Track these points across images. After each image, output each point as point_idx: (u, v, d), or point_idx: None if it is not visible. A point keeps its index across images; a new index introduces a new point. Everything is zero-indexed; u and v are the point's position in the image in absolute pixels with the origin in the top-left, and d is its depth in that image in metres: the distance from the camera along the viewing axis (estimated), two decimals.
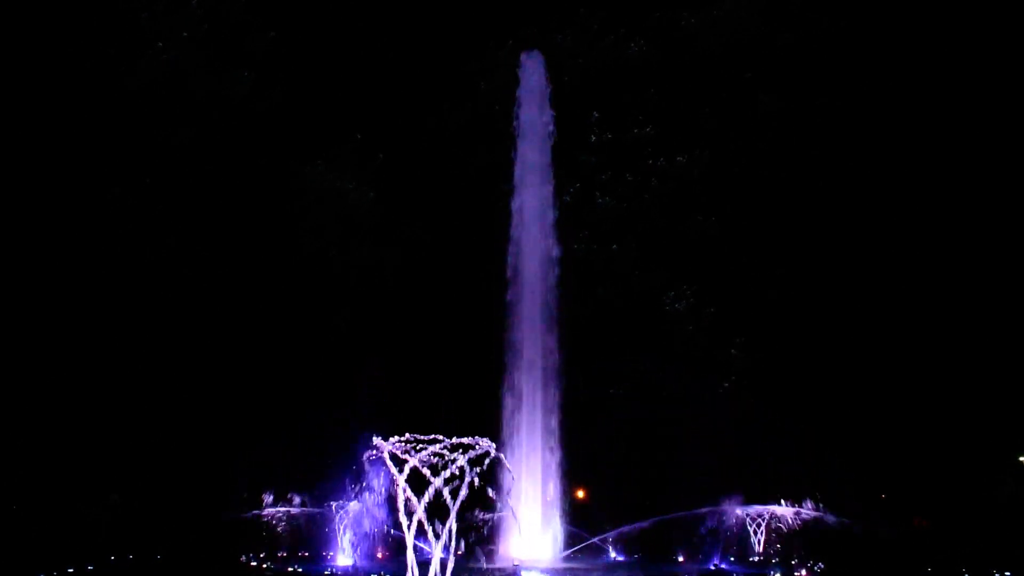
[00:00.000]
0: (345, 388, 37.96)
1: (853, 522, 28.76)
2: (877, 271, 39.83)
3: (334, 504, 26.52)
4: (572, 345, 32.52)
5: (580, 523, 30.45)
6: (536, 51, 35.45)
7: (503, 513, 26.59)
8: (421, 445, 15.37)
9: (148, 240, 38.72)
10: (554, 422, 30.51)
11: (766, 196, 41.50)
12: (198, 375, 37.90)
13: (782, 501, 28.90)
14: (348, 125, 42.63)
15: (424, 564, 15.29)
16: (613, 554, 29.68)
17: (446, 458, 15.25)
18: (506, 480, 18.45)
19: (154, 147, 39.30)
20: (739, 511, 28.44)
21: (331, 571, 24.23)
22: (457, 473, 15.08)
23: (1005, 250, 38.26)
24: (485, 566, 24.41)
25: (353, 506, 25.57)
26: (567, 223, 35.81)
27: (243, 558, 26.60)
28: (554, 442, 30.30)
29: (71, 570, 22.53)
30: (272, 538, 28.50)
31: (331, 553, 26.84)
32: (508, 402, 30.73)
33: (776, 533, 28.64)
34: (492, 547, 26.93)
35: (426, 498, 14.88)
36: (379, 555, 26.52)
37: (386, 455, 15.29)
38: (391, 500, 15.82)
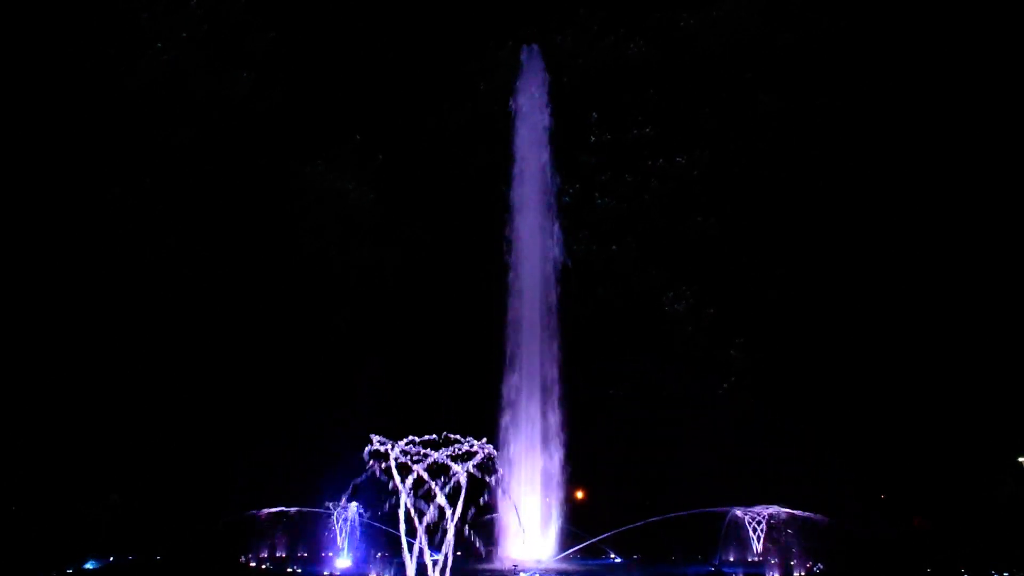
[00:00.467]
0: (345, 388, 37.99)
1: (853, 522, 28.72)
2: (877, 271, 39.81)
3: (332, 505, 26.51)
4: (572, 346, 32.55)
5: (579, 523, 30.43)
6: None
7: (502, 514, 26.61)
8: (421, 452, 15.45)
9: (148, 240, 38.76)
10: (554, 424, 30.52)
11: (766, 196, 41.49)
12: (198, 375, 37.93)
13: (781, 501, 28.86)
14: (348, 125, 42.64)
15: (423, 566, 15.34)
16: (612, 555, 29.67)
17: (449, 464, 15.36)
18: (505, 482, 18.45)
19: (154, 147, 39.34)
20: (738, 511, 28.39)
21: (330, 572, 24.23)
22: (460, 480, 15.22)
23: (1005, 250, 38.23)
24: (484, 567, 24.44)
25: (352, 507, 25.59)
26: (567, 223, 35.98)
27: (242, 558, 26.61)
28: (554, 443, 30.30)
29: (71, 570, 22.58)
30: (271, 539, 28.48)
31: (330, 554, 26.85)
32: (508, 403, 30.75)
33: (775, 533, 28.59)
34: (491, 548, 26.95)
35: (430, 514, 15.03)
36: (378, 556, 26.51)
37: (392, 463, 15.37)
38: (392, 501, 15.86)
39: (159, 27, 39.64)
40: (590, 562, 28.24)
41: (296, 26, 41.97)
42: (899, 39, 40.12)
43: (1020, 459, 37.26)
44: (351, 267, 41.43)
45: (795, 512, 27.37)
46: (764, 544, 28.12)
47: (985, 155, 38.94)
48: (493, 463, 16.03)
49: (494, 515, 27.30)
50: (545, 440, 30.38)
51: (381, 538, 26.25)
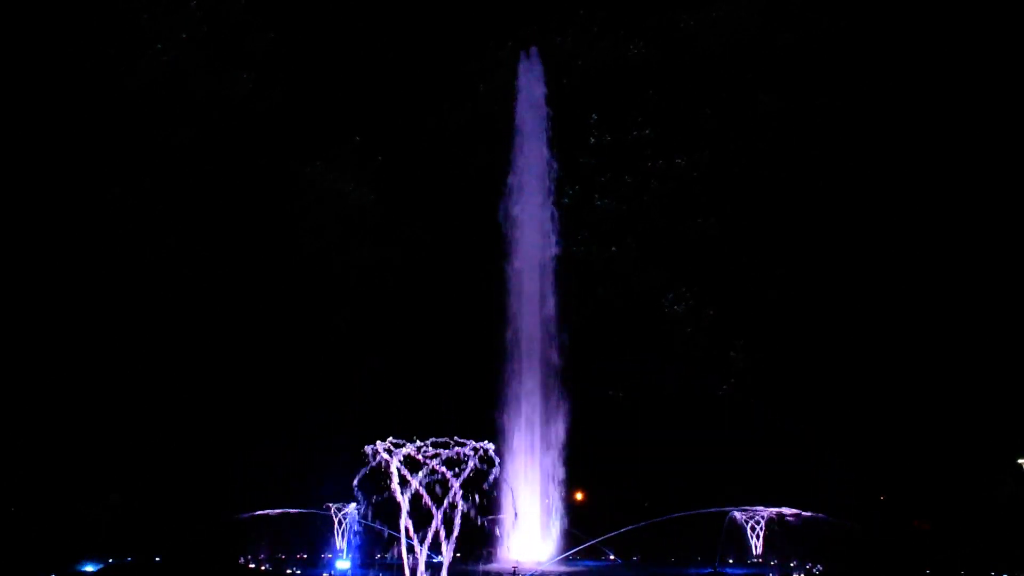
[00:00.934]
0: (345, 388, 38.01)
1: (852, 523, 28.71)
2: (877, 271, 39.79)
3: (332, 506, 26.53)
4: (572, 346, 32.57)
5: (579, 524, 30.44)
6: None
7: (502, 515, 26.59)
8: (425, 455, 15.49)
9: (148, 240, 38.76)
10: (554, 424, 30.52)
11: (766, 196, 41.44)
12: (198, 375, 37.95)
13: (781, 502, 28.85)
14: (348, 125, 42.63)
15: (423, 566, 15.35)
16: (611, 556, 29.67)
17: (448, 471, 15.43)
18: (503, 483, 18.47)
19: (154, 147, 39.33)
20: (738, 512, 28.39)
21: (330, 574, 24.23)
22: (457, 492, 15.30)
23: (1005, 250, 38.21)
24: (484, 568, 24.44)
25: (352, 508, 25.60)
26: (567, 222, 36.02)
27: (242, 559, 26.61)
28: (554, 444, 30.31)
29: (70, 571, 22.58)
30: (271, 539, 28.49)
31: (329, 555, 26.85)
32: (508, 403, 30.75)
33: (775, 534, 28.59)
34: (491, 549, 26.95)
35: (433, 527, 15.08)
36: (376, 557, 26.52)
37: (393, 470, 15.41)
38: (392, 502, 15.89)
39: (159, 27, 39.63)
40: (590, 563, 28.26)
41: (296, 26, 41.95)
42: (899, 39, 40.09)
43: (1020, 460, 37.25)
44: (351, 267, 41.43)
45: (795, 512, 27.39)
46: (763, 545, 28.14)
47: (985, 155, 38.92)
48: (493, 463, 16.05)
49: (494, 517, 27.29)
50: (545, 441, 30.38)
51: (381, 539, 26.25)
